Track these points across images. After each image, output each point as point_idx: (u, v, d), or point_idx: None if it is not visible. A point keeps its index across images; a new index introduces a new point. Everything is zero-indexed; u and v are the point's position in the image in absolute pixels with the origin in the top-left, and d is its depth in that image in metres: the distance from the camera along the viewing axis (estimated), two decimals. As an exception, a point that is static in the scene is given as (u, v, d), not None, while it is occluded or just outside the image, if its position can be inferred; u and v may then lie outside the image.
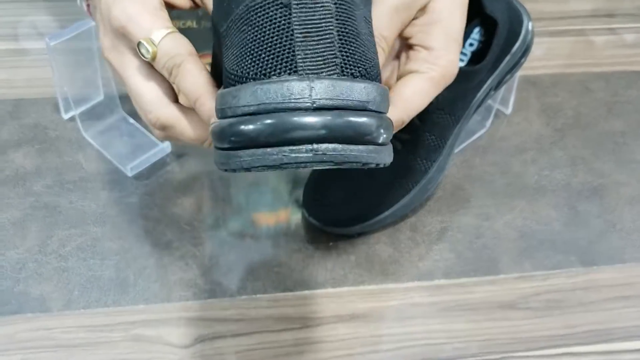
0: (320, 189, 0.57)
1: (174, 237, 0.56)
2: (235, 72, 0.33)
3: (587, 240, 0.59)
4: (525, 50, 0.57)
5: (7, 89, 0.66)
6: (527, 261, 0.57)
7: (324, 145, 0.30)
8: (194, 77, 0.39)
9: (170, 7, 0.44)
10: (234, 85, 0.33)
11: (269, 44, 0.31)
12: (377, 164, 0.33)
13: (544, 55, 0.75)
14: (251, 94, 0.31)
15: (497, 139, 0.66)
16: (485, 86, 0.55)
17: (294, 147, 0.30)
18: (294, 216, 0.58)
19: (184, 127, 0.40)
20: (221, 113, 0.33)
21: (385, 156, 0.33)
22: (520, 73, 0.60)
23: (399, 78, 0.43)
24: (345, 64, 0.32)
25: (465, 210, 0.60)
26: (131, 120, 0.63)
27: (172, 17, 0.58)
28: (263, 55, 0.32)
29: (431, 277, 0.55)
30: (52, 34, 0.56)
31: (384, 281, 0.55)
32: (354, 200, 0.55)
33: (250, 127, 0.31)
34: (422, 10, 0.42)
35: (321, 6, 0.32)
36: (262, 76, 0.32)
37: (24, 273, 0.53)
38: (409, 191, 0.55)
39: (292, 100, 0.30)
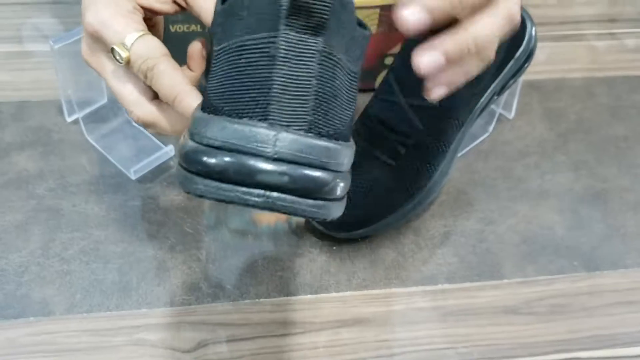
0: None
1: (177, 241, 0.56)
2: (213, 101, 0.34)
3: (590, 245, 0.59)
4: (529, 56, 0.57)
5: (10, 92, 0.65)
6: (530, 266, 0.57)
7: (275, 194, 0.32)
8: (169, 77, 0.40)
9: (152, 14, 0.44)
10: (208, 112, 0.34)
11: (249, 87, 0.33)
12: (325, 219, 0.34)
13: (547, 60, 0.75)
14: (220, 129, 0.32)
15: (500, 144, 0.66)
16: (488, 91, 0.55)
17: (247, 190, 0.32)
18: (297, 220, 0.58)
19: (164, 123, 0.42)
20: (189, 135, 0.34)
21: (334, 211, 0.34)
22: (523, 78, 0.60)
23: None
24: (315, 122, 0.33)
25: (468, 214, 0.60)
26: (135, 124, 0.63)
27: (177, 22, 0.59)
28: (241, 96, 0.33)
29: (435, 281, 0.55)
30: (56, 37, 0.56)
31: (387, 285, 0.55)
32: (358, 205, 0.55)
33: (211, 160, 0.32)
34: None
35: (305, 65, 0.33)
36: (234, 114, 0.33)
37: (26, 276, 0.53)
38: (412, 195, 0.55)
39: (255, 146, 0.32)
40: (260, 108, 0.32)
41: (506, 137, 0.66)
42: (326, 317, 0.53)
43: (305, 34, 0.32)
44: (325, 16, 0.32)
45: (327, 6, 0.32)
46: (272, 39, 0.32)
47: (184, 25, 0.59)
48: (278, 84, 0.32)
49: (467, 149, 0.64)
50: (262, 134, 0.32)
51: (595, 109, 0.70)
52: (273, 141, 0.31)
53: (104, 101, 0.63)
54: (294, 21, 0.32)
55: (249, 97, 0.32)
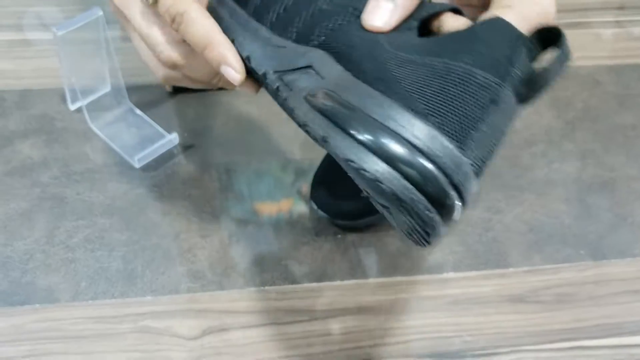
0: (329, 181, 0.56)
1: (181, 229, 0.56)
2: (413, 96, 0.34)
3: (597, 234, 0.59)
4: None
5: (13, 80, 0.65)
6: (537, 255, 0.57)
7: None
8: (200, 25, 0.39)
9: None
10: (397, 99, 0.34)
11: (460, 114, 0.34)
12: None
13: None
14: (430, 137, 0.33)
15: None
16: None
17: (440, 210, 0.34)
18: (302, 208, 0.58)
19: (195, 65, 0.41)
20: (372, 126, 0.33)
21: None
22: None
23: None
24: (482, 169, 0.36)
25: (474, 203, 0.60)
26: (138, 112, 0.63)
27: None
28: (450, 115, 0.33)
29: (440, 270, 0.55)
30: (59, 24, 0.56)
31: (392, 274, 0.54)
32: (362, 193, 0.54)
33: (421, 164, 0.32)
34: None
35: (505, 121, 0.36)
36: (441, 129, 0.33)
37: (31, 264, 0.53)
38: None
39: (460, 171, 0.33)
40: (462, 137, 0.33)
41: (513, 126, 0.66)
42: (331, 305, 0.52)
43: (515, 95, 0.35)
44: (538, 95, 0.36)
45: (544, 89, 0.36)
46: (498, 86, 0.34)
47: None
48: (484, 126, 0.34)
49: (473, 137, 0.64)
50: (465, 162, 0.33)
51: (603, 97, 0.70)
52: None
53: (108, 89, 0.63)
54: (515, 82, 0.35)
55: (458, 121, 0.33)
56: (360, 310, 0.52)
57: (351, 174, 0.35)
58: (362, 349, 0.50)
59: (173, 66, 0.42)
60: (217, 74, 0.42)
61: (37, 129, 0.61)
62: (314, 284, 0.53)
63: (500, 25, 0.36)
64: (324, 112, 0.34)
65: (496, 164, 0.61)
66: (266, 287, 0.53)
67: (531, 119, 0.67)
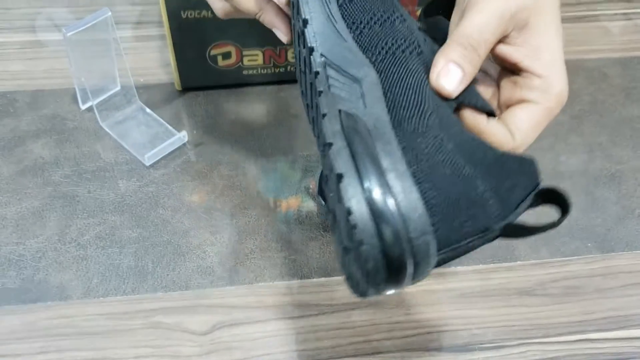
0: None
1: (191, 226, 0.56)
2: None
3: (605, 227, 0.59)
4: None
5: (25, 80, 0.66)
6: (544, 248, 0.57)
7: None
8: None
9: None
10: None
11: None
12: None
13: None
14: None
15: (513, 126, 0.65)
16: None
17: None
18: (310, 204, 0.58)
19: None
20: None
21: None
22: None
23: (505, 104, 0.41)
24: None
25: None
26: (148, 110, 0.64)
27: (189, 7, 0.59)
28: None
29: (448, 264, 0.55)
30: (68, 25, 0.56)
31: (400, 268, 0.55)
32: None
33: None
34: (523, 27, 0.40)
35: None
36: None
37: (43, 262, 0.54)
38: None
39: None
40: (445, 243, 0.35)
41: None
42: (339, 300, 0.53)
43: (500, 231, 0.37)
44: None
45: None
46: (500, 220, 0.36)
47: (196, 11, 0.59)
48: (467, 243, 0.36)
49: (480, 131, 0.64)
50: (433, 254, 0.34)
51: (610, 91, 0.70)
52: None
53: (117, 89, 0.64)
54: (511, 222, 0.37)
55: (450, 230, 0.34)
56: (369, 304, 0.53)
57: (334, 205, 0.36)
58: (370, 342, 0.51)
59: None
60: (261, 9, 0.45)
61: (48, 128, 0.62)
62: (323, 279, 0.54)
63: (529, 169, 0.38)
64: (352, 149, 0.34)
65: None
66: (275, 282, 0.54)
67: (538, 113, 0.67)
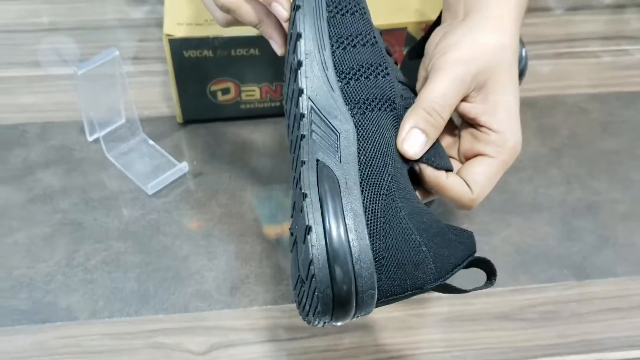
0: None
1: (190, 252, 0.60)
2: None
3: (581, 255, 0.62)
4: (520, 75, 0.60)
5: (35, 113, 0.70)
6: (523, 275, 0.60)
7: None
8: None
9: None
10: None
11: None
12: None
13: (542, 77, 0.78)
14: None
15: (495, 159, 0.69)
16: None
17: None
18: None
19: (245, 10, 0.46)
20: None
21: None
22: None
23: (464, 154, 0.45)
24: None
25: (465, 226, 0.63)
26: (151, 142, 0.67)
27: (190, 47, 0.63)
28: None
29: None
30: (80, 63, 0.60)
31: (387, 293, 0.58)
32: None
33: None
34: (482, 87, 0.44)
35: None
36: None
37: (52, 285, 0.57)
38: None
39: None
40: (388, 293, 0.40)
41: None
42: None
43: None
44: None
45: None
46: (435, 281, 0.41)
47: (197, 50, 0.63)
48: (405, 295, 0.41)
49: (464, 163, 0.68)
50: (374, 302, 0.40)
51: (588, 125, 0.73)
52: None
53: (122, 121, 0.68)
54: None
55: (393, 282, 0.40)
56: (357, 327, 0.56)
57: (299, 241, 0.40)
58: (358, 363, 0.54)
59: (226, 10, 0.47)
60: (261, 21, 0.47)
61: (57, 159, 0.66)
62: (314, 303, 0.57)
63: (467, 240, 0.43)
64: (322, 206, 0.38)
65: (486, 189, 0.66)
66: (269, 306, 0.57)
67: (519, 146, 0.70)
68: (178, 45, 0.63)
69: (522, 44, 0.60)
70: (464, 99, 0.44)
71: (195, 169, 0.66)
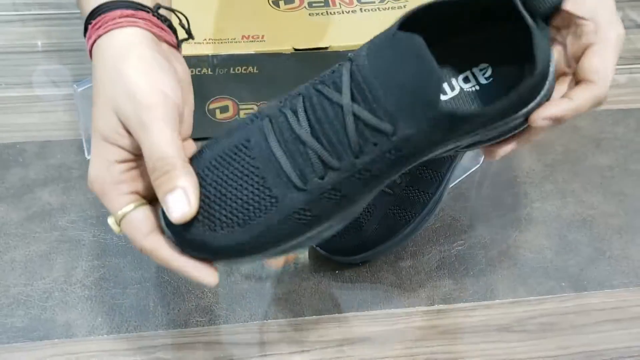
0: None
1: (190, 267, 0.60)
2: None
3: (578, 267, 0.63)
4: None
5: (34, 132, 0.70)
6: (521, 287, 0.61)
7: None
8: (159, 253, 0.42)
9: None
10: None
11: None
12: None
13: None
14: None
15: (490, 174, 0.70)
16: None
17: None
18: (303, 259, 0.62)
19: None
20: None
21: None
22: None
23: (574, 59, 0.47)
24: None
25: (462, 240, 0.64)
26: (149, 160, 0.68)
27: (189, 65, 0.64)
28: None
29: (432, 302, 0.59)
30: (79, 81, 0.61)
31: (387, 306, 0.58)
32: (358, 231, 0.59)
33: None
34: None
35: None
36: None
37: (50, 302, 0.57)
38: (409, 222, 0.59)
39: None
40: None
41: (496, 168, 0.71)
42: (330, 336, 0.56)
43: None
44: None
45: None
46: None
47: (196, 69, 0.64)
48: None
49: (460, 179, 0.69)
50: None
51: (581, 141, 0.75)
52: None
53: (121, 139, 0.68)
54: None
55: None
56: (357, 340, 0.56)
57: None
58: (359, 376, 0.54)
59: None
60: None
61: (55, 177, 0.66)
62: (314, 317, 0.57)
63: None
64: None
65: (482, 204, 0.67)
66: (269, 321, 0.57)
67: (513, 162, 0.71)
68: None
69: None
70: None
71: (194, 186, 0.66)
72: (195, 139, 0.70)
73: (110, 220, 0.43)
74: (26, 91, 0.75)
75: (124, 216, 0.42)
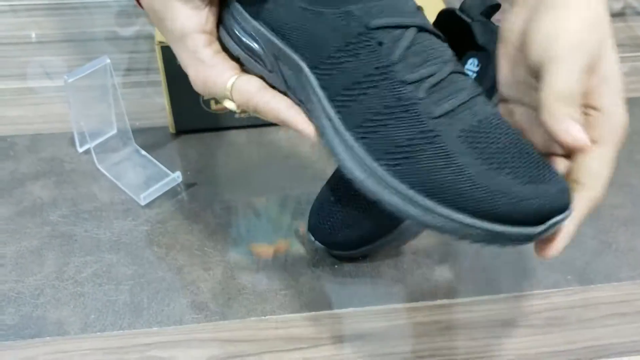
0: (326, 213, 0.59)
1: (185, 263, 0.58)
2: None
3: (584, 260, 0.61)
4: None
5: (24, 125, 0.69)
6: (526, 281, 0.59)
7: None
8: (269, 109, 0.46)
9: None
10: None
11: None
12: None
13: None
14: None
15: (494, 165, 0.68)
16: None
17: None
18: (299, 240, 0.60)
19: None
20: None
21: None
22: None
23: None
24: None
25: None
26: (143, 152, 0.66)
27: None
28: None
29: (434, 297, 0.57)
30: (69, 72, 0.59)
31: (388, 301, 0.57)
32: (358, 224, 0.57)
33: None
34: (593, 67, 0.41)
35: None
36: None
37: (42, 299, 0.55)
38: (410, 214, 0.57)
39: None
40: None
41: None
42: (329, 333, 0.55)
43: None
44: None
45: None
46: None
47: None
48: None
49: (462, 170, 0.67)
50: None
51: (585, 131, 0.73)
52: None
53: (114, 132, 0.66)
54: None
55: None
56: (358, 337, 0.55)
57: None
58: (360, 373, 0.52)
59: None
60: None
61: (47, 170, 0.65)
62: (313, 313, 0.56)
63: None
64: None
65: (485, 196, 0.65)
66: (266, 317, 0.55)
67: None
68: (170, 53, 0.61)
69: None
70: None
71: (189, 179, 0.65)
72: (189, 132, 0.69)
73: (226, 102, 0.47)
74: (17, 83, 0.73)
75: (232, 87, 0.45)
